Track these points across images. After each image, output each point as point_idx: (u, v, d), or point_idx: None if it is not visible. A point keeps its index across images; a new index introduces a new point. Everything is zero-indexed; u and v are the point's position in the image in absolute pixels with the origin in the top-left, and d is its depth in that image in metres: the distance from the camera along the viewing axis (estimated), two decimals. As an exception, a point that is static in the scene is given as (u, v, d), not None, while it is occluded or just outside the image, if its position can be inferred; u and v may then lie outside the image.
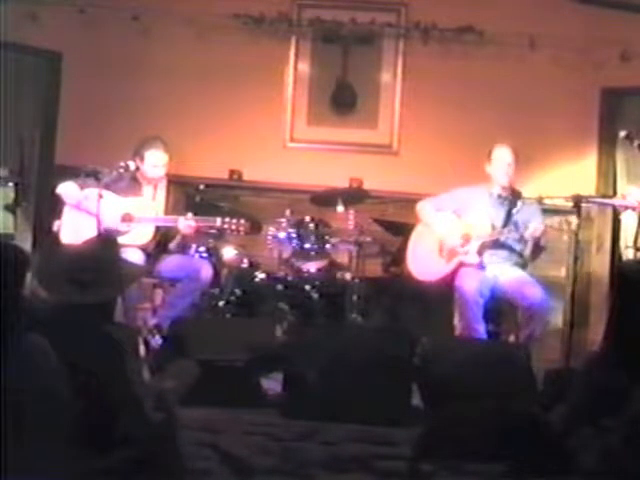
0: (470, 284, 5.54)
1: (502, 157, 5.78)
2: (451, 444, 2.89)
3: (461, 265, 5.68)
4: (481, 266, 5.66)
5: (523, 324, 5.51)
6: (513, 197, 5.81)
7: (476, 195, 5.83)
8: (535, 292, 5.52)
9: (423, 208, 5.96)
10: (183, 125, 6.86)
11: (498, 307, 5.67)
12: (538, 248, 5.66)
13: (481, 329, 5.53)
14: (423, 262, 5.87)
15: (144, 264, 5.56)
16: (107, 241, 3.60)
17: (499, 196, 5.79)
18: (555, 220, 5.58)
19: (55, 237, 5.88)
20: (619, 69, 6.61)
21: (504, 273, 5.66)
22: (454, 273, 5.68)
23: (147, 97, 7.00)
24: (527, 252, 5.68)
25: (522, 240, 5.65)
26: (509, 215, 5.73)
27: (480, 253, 5.67)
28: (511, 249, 5.72)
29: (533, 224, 5.51)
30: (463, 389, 4.44)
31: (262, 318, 6.03)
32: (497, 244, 5.70)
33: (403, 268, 6.06)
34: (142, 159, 5.89)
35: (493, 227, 5.71)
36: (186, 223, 5.78)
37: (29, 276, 2.81)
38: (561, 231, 5.54)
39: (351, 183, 6.88)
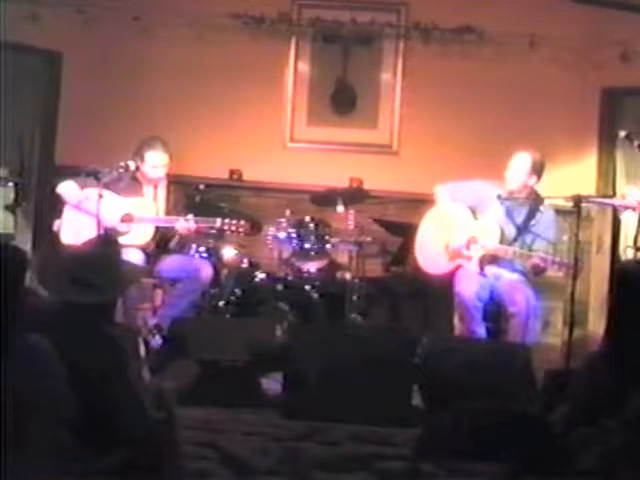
0: (469, 289, 5.52)
1: (512, 163, 5.71)
2: (451, 444, 2.89)
3: (461, 266, 5.67)
4: (481, 274, 5.62)
5: (507, 329, 5.51)
6: (530, 206, 5.73)
7: (494, 194, 5.72)
8: (522, 300, 5.48)
9: (441, 193, 5.86)
10: (183, 125, 6.85)
11: (497, 309, 5.65)
12: (537, 274, 5.63)
13: (481, 331, 5.52)
14: (429, 254, 5.81)
15: (144, 264, 5.56)
16: (107, 241, 3.59)
17: (513, 200, 5.71)
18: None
19: (55, 237, 5.89)
20: (619, 69, 6.61)
21: (503, 275, 5.64)
22: (454, 273, 5.67)
23: (147, 97, 7.00)
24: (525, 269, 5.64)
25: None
26: (521, 226, 5.68)
27: (481, 266, 5.60)
28: (512, 264, 5.66)
29: (535, 259, 5.41)
30: (463, 389, 4.44)
31: (262, 318, 6.02)
32: (499, 258, 5.64)
33: (404, 268, 6.05)
34: (142, 160, 5.89)
35: (502, 234, 5.62)
36: (184, 224, 5.79)
37: (29, 276, 2.81)
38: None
39: (351, 183, 6.87)
